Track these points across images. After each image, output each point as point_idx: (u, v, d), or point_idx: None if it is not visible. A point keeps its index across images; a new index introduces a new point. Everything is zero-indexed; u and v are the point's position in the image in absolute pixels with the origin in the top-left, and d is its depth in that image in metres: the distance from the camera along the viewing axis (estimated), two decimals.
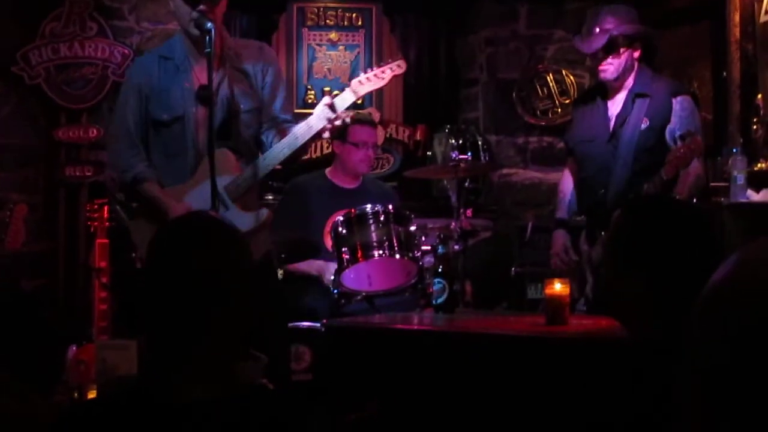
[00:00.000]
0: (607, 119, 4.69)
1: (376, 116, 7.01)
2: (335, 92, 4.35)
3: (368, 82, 4.27)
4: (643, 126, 4.54)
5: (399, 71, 4.36)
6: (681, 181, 4.40)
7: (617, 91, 4.69)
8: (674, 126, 4.52)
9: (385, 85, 4.45)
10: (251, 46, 4.50)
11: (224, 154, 4.14)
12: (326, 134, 4.48)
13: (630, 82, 4.67)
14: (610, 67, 4.65)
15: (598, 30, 4.66)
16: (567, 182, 5.00)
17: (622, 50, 4.61)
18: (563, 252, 4.81)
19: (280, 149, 4.22)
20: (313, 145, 6.56)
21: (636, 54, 4.66)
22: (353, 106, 4.55)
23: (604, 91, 4.79)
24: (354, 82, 4.28)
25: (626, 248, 2.17)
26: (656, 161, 4.38)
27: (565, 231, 4.88)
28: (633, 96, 4.62)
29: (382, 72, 4.28)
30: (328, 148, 6.58)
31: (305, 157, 5.42)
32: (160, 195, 4.21)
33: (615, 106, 4.69)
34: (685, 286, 1.81)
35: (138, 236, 4.29)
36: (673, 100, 4.55)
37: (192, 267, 1.82)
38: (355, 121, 5.45)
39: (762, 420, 1.15)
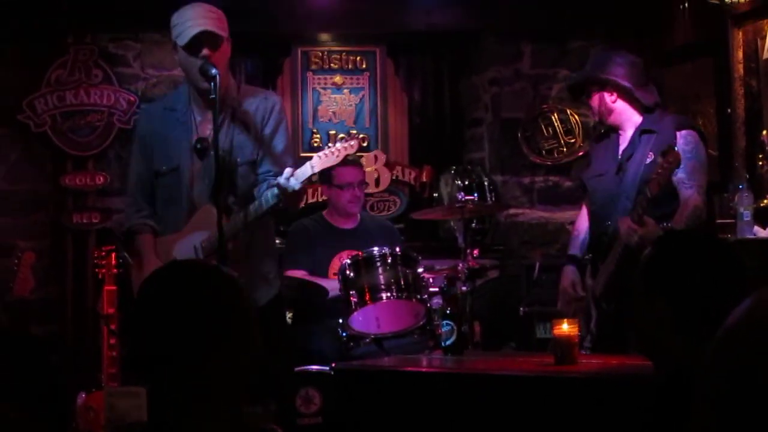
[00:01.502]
0: (617, 154, 4.72)
1: (382, 159, 7.04)
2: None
3: (325, 158, 4.20)
4: (648, 160, 4.55)
5: (351, 150, 4.28)
6: (678, 212, 4.40)
7: (624, 129, 4.71)
8: None
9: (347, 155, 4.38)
10: (256, 93, 4.46)
11: (207, 210, 4.15)
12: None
13: (638, 119, 4.68)
14: (592, 110, 4.81)
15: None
16: (582, 220, 4.97)
17: (592, 94, 4.71)
18: (570, 287, 4.78)
19: (254, 209, 4.17)
20: (310, 189, 6.65)
21: (611, 97, 4.67)
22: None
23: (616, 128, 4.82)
24: (315, 156, 4.21)
25: (651, 277, 2.20)
26: (660, 195, 4.36)
27: (575, 267, 4.85)
28: (640, 132, 4.65)
29: (338, 150, 4.21)
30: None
31: (301, 205, 5.33)
32: (145, 252, 4.31)
33: (624, 142, 4.72)
34: (710, 316, 1.83)
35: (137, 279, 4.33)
36: (678, 134, 4.56)
37: (181, 311, 1.81)
38: (339, 163, 5.44)
39: None
